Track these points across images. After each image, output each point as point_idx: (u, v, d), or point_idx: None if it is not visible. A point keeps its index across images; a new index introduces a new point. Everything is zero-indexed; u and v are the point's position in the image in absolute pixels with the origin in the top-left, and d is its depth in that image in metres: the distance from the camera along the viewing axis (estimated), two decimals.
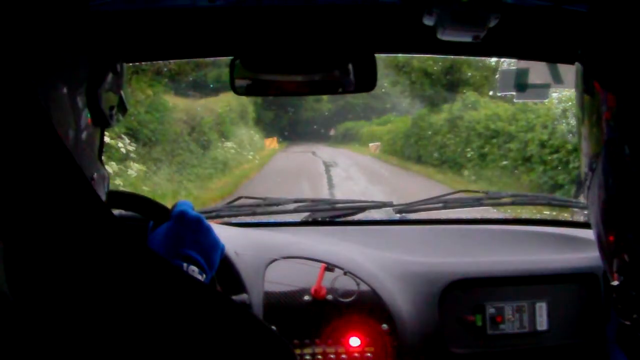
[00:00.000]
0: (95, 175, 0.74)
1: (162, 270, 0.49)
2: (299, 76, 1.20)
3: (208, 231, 0.96)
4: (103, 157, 0.88)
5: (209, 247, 0.95)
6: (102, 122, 0.74)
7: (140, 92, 8.59)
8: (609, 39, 0.57)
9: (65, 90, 0.65)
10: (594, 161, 0.60)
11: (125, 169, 7.63)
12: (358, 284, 1.36)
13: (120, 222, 0.47)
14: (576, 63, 0.65)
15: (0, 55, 0.44)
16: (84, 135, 0.69)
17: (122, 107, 0.81)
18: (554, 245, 1.64)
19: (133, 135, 8.27)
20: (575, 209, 2.35)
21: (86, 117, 0.69)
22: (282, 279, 1.34)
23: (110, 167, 6.84)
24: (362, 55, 1.16)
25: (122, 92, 0.81)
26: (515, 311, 1.42)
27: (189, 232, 0.94)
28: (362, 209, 1.77)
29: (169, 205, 1.03)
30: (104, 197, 0.78)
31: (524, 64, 2.09)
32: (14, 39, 0.54)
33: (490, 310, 1.41)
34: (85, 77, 0.69)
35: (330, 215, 1.74)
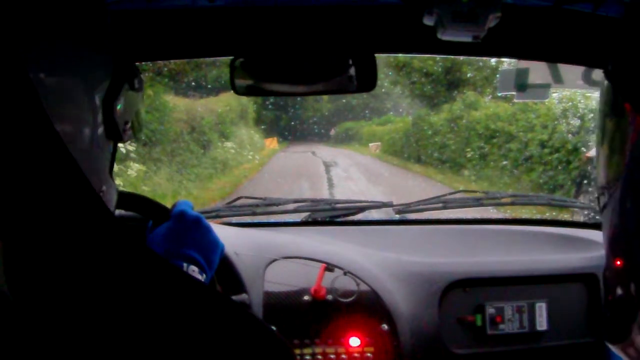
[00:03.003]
0: (104, 187, 0.73)
1: (161, 270, 0.49)
2: (299, 76, 1.20)
3: (207, 231, 0.96)
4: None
5: (209, 246, 0.95)
6: (115, 135, 0.73)
7: None
8: None
9: (82, 87, 0.64)
10: (612, 185, 0.56)
11: (125, 169, 7.63)
12: (358, 284, 1.35)
13: (119, 222, 0.47)
14: (603, 81, 0.58)
15: (2, 55, 0.44)
16: (97, 142, 0.68)
17: (138, 125, 0.80)
18: (554, 245, 1.64)
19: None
20: (575, 209, 2.35)
21: (101, 125, 0.69)
22: (282, 279, 1.34)
23: None
24: (362, 55, 1.16)
25: (139, 109, 0.80)
26: (515, 311, 1.42)
27: (189, 231, 0.94)
28: (362, 209, 1.77)
29: (168, 206, 1.03)
30: (113, 210, 0.77)
31: (524, 64, 2.09)
32: (19, 36, 0.54)
33: (490, 310, 1.41)
34: (103, 77, 0.68)
35: (330, 215, 1.74)
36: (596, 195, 0.63)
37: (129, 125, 0.76)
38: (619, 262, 0.55)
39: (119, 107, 0.71)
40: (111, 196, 0.76)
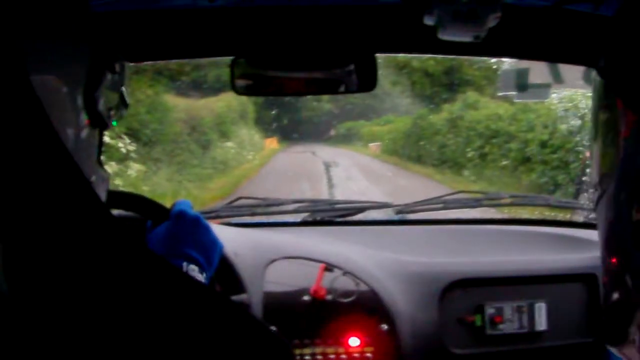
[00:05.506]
0: (93, 177, 0.73)
1: (161, 270, 0.49)
2: (300, 76, 1.20)
3: (206, 230, 0.96)
4: (103, 158, 0.87)
5: (208, 245, 0.95)
6: (100, 123, 0.73)
7: (140, 92, 8.59)
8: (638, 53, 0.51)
9: (65, 89, 0.64)
10: (606, 180, 0.56)
11: (125, 169, 7.64)
12: (357, 284, 1.35)
13: (119, 222, 0.47)
14: (596, 76, 0.60)
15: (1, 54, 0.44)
16: (82, 135, 0.68)
17: (123, 104, 0.80)
18: (554, 245, 1.64)
19: (133, 135, 8.27)
20: (575, 210, 2.35)
21: (84, 117, 0.69)
22: (282, 279, 1.34)
23: (110, 167, 6.83)
24: (362, 55, 1.16)
25: (123, 89, 0.79)
26: (515, 311, 1.42)
27: (188, 231, 0.94)
28: (361, 210, 1.77)
29: (168, 206, 1.03)
30: (103, 199, 0.77)
31: (524, 63, 2.09)
32: (13, 37, 0.54)
33: (490, 310, 1.41)
34: (83, 68, 0.68)
35: (330, 215, 1.74)
36: (591, 190, 0.63)
37: (113, 111, 0.75)
38: (614, 260, 0.55)
39: (101, 96, 0.70)
40: (101, 185, 0.76)
